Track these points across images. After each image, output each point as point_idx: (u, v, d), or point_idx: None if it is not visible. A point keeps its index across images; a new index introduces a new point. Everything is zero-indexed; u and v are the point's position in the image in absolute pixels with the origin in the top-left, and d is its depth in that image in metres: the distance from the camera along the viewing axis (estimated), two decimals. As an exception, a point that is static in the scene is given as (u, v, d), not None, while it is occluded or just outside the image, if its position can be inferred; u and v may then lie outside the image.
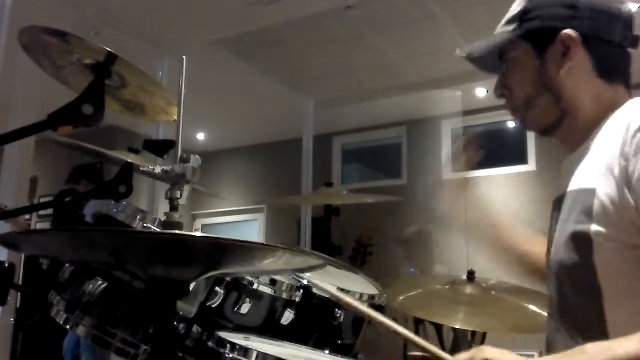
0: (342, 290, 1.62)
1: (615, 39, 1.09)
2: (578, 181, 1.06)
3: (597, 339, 0.97)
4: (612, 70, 1.11)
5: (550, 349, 1.13)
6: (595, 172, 1.02)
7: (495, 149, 6.25)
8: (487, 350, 0.97)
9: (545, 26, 1.11)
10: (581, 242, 0.99)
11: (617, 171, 0.97)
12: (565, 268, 1.04)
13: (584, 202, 1.01)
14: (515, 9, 1.17)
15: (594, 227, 0.98)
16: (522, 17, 1.14)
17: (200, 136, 7.30)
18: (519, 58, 1.16)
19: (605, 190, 0.98)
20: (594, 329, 0.99)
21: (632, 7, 1.11)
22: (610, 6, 1.09)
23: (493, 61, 1.22)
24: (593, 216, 0.98)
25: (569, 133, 1.15)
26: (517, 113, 1.20)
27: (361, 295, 1.68)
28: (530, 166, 5.81)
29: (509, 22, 1.16)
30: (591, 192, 1.00)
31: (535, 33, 1.13)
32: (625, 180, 0.95)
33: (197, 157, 0.98)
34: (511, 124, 6.15)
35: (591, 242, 0.98)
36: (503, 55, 1.19)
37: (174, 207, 0.96)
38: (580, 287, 1.02)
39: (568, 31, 1.09)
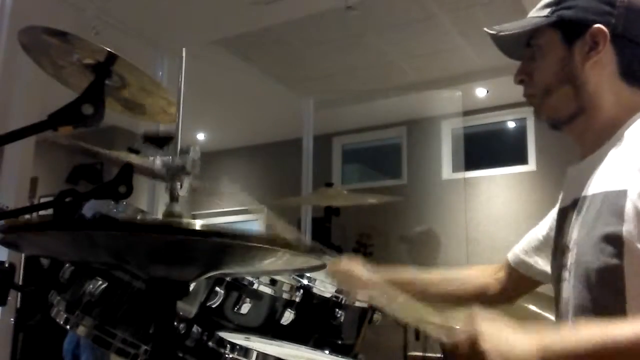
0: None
1: None
2: (604, 183, 1.04)
3: None
4: (636, 72, 1.10)
5: None
6: (625, 174, 1.00)
7: (495, 149, 6.26)
8: (485, 336, 0.94)
9: (579, 17, 1.09)
10: (612, 243, 0.98)
11: None
12: (594, 270, 1.02)
13: (613, 203, 0.99)
14: None
15: (626, 228, 0.96)
16: (558, 4, 1.12)
17: (200, 136, 7.30)
18: (546, 45, 1.14)
19: (636, 191, 0.96)
20: None
21: None
22: None
23: (517, 44, 1.19)
24: (625, 217, 0.97)
25: (584, 131, 1.13)
26: (533, 100, 1.17)
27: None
28: (530, 166, 5.81)
29: (544, 7, 1.14)
30: (622, 194, 0.98)
31: (567, 22, 1.10)
32: None
33: (197, 148, 0.98)
34: (511, 124, 6.16)
35: (622, 243, 0.96)
36: (530, 39, 1.16)
37: (174, 198, 0.96)
38: (607, 288, 1.00)
39: (599, 26, 1.07)
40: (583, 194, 1.09)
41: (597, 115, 1.10)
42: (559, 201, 1.24)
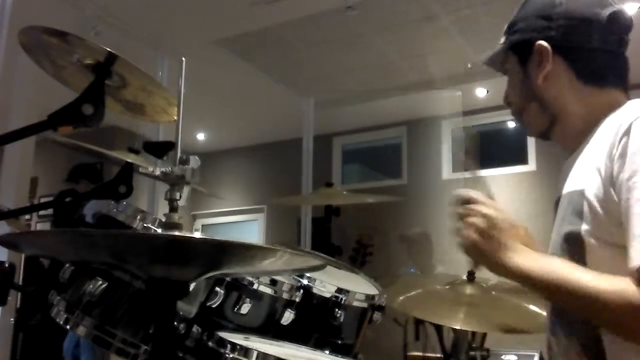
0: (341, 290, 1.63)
1: (594, 44, 1.12)
2: (571, 183, 1.09)
3: (592, 338, 0.99)
4: (597, 74, 1.13)
5: (550, 348, 1.14)
6: (585, 174, 1.04)
7: (495, 149, 6.25)
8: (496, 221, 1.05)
9: (524, 38, 1.17)
10: (574, 242, 1.02)
11: (603, 172, 0.99)
12: None
13: (575, 203, 1.03)
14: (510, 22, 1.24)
15: (584, 227, 1.00)
16: (508, 30, 1.21)
17: (200, 136, 7.31)
18: (510, 69, 1.23)
19: (593, 191, 1.00)
20: (589, 327, 1.00)
21: (631, 8, 1.12)
22: (586, 12, 1.12)
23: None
24: (583, 216, 1.00)
25: (564, 136, 1.19)
26: (518, 120, 1.27)
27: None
28: (530, 166, 5.81)
29: (503, 35, 1.24)
30: (581, 193, 1.02)
31: (517, 45, 1.19)
32: (610, 181, 0.97)
33: (196, 158, 0.98)
34: (511, 124, 6.16)
35: (582, 242, 1.00)
36: (503, 64, 1.26)
37: (173, 208, 0.96)
38: None
39: (540, 42, 1.14)
40: (559, 193, 1.14)
41: (569, 121, 1.16)
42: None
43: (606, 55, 1.12)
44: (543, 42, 1.13)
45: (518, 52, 1.20)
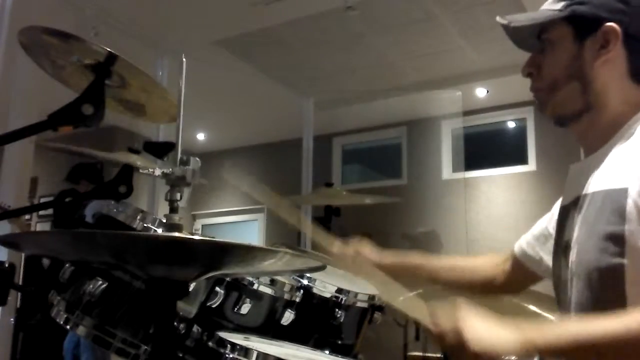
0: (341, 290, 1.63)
1: None
2: (605, 181, 1.03)
3: None
4: None
5: None
6: (626, 172, 1.00)
7: (495, 149, 6.25)
8: (468, 327, 0.95)
9: (592, 13, 1.08)
10: (614, 242, 0.97)
11: None
12: (594, 269, 1.01)
13: (615, 202, 0.99)
14: None
15: (628, 227, 0.96)
16: None
17: (200, 136, 7.30)
18: (557, 39, 1.12)
19: (637, 189, 0.96)
20: None
21: None
22: None
23: (528, 35, 1.17)
24: (626, 216, 0.96)
25: (588, 128, 1.12)
26: (539, 94, 1.16)
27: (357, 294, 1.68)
28: (530, 166, 5.80)
29: (558, 0, 1.12)
30: (623, 192, 0.98)
31: (580, 18, 1.09)
32: None
33: (197, 159, 0.98)
34: (511, 124, 6.16)
35: (624, 242, 0.96)
36: (541, 33, 1.15)
37: (173, 209, 0.96)
38: (607, 286, 1.00)
39: (612, 24, 1.06)
40: (584, 192, 1.08)
41: (603, 114, 1.09)
42: (561, 199, 1.24)
43: None
44: (615, 26, 1.05)
45: (577, 25, 1.09)
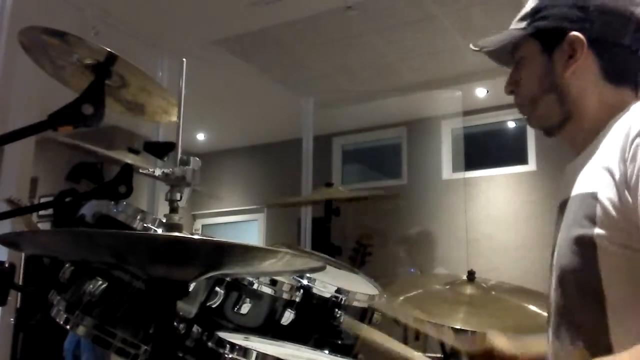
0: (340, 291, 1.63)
1: (625, 42, 1.08)
2: (581, 185, 1.05)
3: (599, 343, 0.96)
4: (620, 73, 1.10)
5: (554, 350, 1.12)
6: (596, 176, 1.01)
7: (495, 149, 6.26)
8: None
9: (554, 26, 1.10)
10: (585, 246, 0.99)
11: (617, 175, 0.96)
12: (569, 272, 1.03)
13: (587, 206, 1.00)
14: (529, 6, 1.16)
15: (597, 231, 0.97)
16: (533, 15, 1.13)
17: (200, 136, 7.30)
18: (528, 56, 1.16)
19: (606, 194, 0.97)
20: (596, 333, 0.98)
21: None
22: (621, 8, 1.08)
23: (504, 54, 1.21)
24: (596, 220, 0.97)
25: (574, 135, 1.14)
26: (522, 109, 1.20)
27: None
28: (530, 166, 5.81)
29: (522, 19, 1.16)
30: (593, 196, 0.99)
31: (544, 32, 1.12)
32: (624, 184, 0.95)
33: (197, 159, 0.98)
34: (511, 124, 6.16)
35: (595, 246, 0.97)
36: (514, 51, 1.19)
37: (173, 209, 0.96)
38: (584, 291, 1.01)
39: (575, 33, 1.08)
40: (568, 195, 1.10)
41: (584, 119, 1.11)
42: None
43: (631, 55, 1.09)
44: (579, 34, 1.08)
45: (543, 40, 1.13)
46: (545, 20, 1.11)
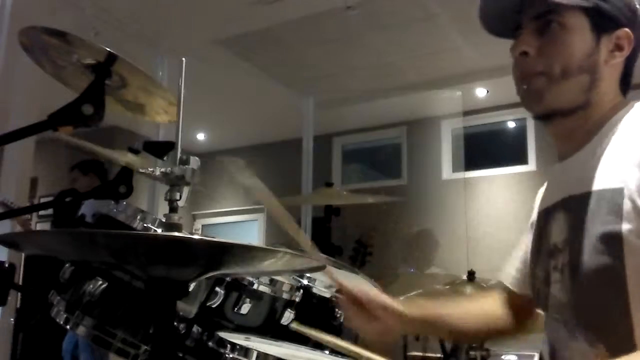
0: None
1: None
2: (597, 181, 1.02)
3: (621, 343, 0.95)
4: (629, 81, 1.12)
5: (556, 354, 1.11)
6: (621, 170, 0.99)
7: (495, 149, 6.26)
8: None
9: (614, 14, 1.07)
10: (611, 243, 0.97)
11: None
12: (591, 270, 1.00)
13: (610, 201, 0.98)
14: None
15: (625, 226, 0.95)
16: None
17: (200, 136, 7.30)
18: (574, 26, 1.07)
19: (634, 188, 0.96)
20: (619, 333, 0.96)
21: None
22: None
23: (505, 19, 1.13)
24: (623, 215, 0.96)
25: (575, 127, 1.10)
26: (537, 79, 1.08)
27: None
28: (530, 166, 5.80)
29: None
30: (618, 191, 0.97)
31: (602, 14, 1.07)
32: None
33: (197, 158, 0.97)
34: (511, 124, 6.16)
35: (622, 241, 0.95)
36: (549, 13, 1.07)
37: (173, 209, 0.96)
38: (606, 288, 0.99)
39: (628, 30, 1.07)
40: (572, 192, 1.08)
41: (593, 113, 1.09)
42: (538, 203, 1.25)
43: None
44: (630, 32, 1.07)
45: (596, 21, 1.07)
46: (607, 3, 1.07)
